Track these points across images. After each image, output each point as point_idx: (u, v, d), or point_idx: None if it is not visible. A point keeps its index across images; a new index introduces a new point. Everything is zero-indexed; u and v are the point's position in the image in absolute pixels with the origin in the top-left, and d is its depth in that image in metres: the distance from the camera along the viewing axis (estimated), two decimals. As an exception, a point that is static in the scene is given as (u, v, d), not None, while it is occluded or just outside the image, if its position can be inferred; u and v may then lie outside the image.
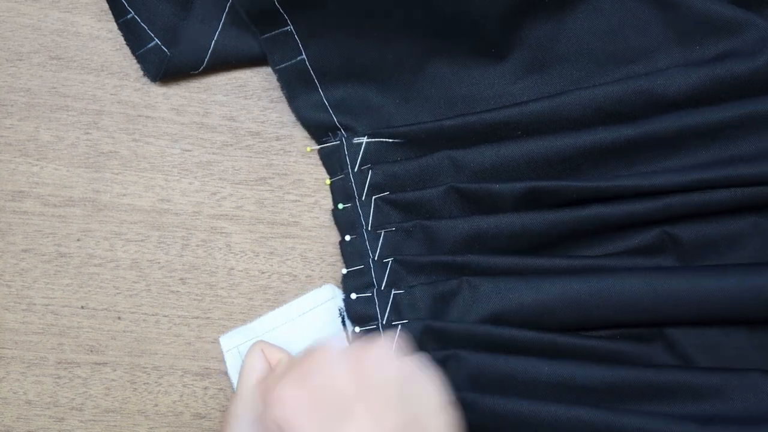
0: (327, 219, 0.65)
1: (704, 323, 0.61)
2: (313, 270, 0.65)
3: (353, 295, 0.62)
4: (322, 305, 0.63)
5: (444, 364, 0.59)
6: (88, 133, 0.66)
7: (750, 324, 0.61)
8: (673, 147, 0.62)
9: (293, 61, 0.65)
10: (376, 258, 0.62)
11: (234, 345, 0.63)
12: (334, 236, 0.65)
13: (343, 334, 0.62)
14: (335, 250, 0.65)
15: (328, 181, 0.65)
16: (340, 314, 0.63)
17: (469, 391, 0.58)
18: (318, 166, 0.66)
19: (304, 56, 0.64)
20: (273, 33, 0.64)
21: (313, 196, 0.66)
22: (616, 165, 0.62)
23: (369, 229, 0.63)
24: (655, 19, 0.63)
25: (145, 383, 0.63)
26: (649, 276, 0.59)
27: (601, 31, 0.64)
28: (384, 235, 0.63)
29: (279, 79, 0.65)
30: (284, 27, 0.64)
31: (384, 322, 0.61)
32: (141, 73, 0.66)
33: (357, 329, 0.61)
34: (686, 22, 0.63)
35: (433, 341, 0.60)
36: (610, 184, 0.60)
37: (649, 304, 0.58)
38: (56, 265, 0.64)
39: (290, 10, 0.63)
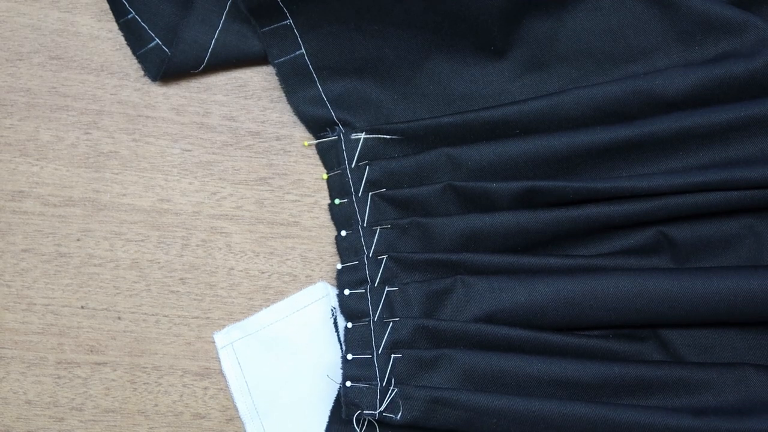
0: (327, 219, 0.65)
1: (697, 325, 0.61)
2: (313, 270, 0.65)
3: (346, 291, 0.62)
4: (316, 302, 0.64)
5: (437, 362, 0.59)
6: (88, 133, 0.66)
7: (742, 324, 0.61)
8: (671, 148, 0.62)
9: (292, 55, 0.65)
10: (371, 254, 0.63)
11: (229, 341, 0.63)
12: (334, 236, 0.65)
13: (334, 335, 0.63)
14: (335, 250, 0.65)
15: (324, 176, 0.65)
16: (332, 314, 0.63)
17: (462, 389, 0.59)
18: (318, 165, 0.66)
19: (303, 50, 0.65)
20: (272, 26, 0.64)
21: (313, 196, 0.66)
22: (614, 165, 0.62)
23: (365, 225, 0.63)
24: (655, 19, 0.63)
25: (145, 383, 0.63)
26: (642, 277, 0.59)
27: (601, 30, 0.64)
28: (379, 231, 0.63)
29: (278, 74, 0.65)
30: (284, 21, 0.64)
31: (376, 319, 0.61)
32: (141, 73, 0.66)
33: (349, 325, 0.61)
34: (686, 23, 0.63)
35: (425, 339, 0.60)
36: (607, 185, 0.60)
37: (641, 305, 0.59)
38: (56, 265, 0.64)
39: (290, 4, 0.63)
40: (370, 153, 0.64)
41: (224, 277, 0.65)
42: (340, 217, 0.64)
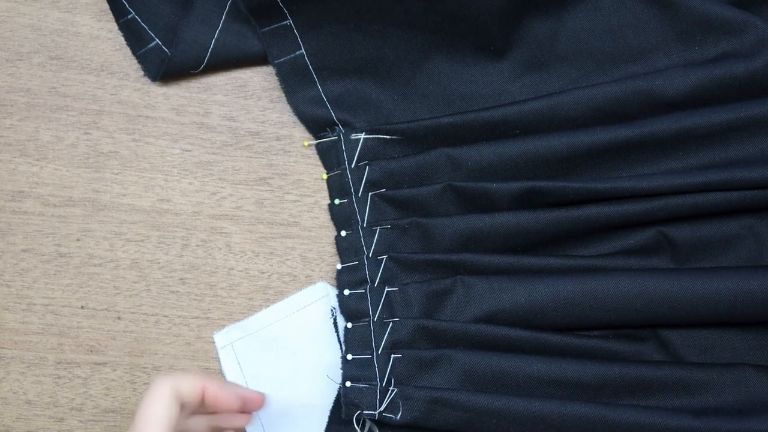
0: (327, 219, 0.65)
1: (697, 325, 0.61)
2: (313, 270, 0.65)
3: (346, 291, 0.62)
4: (316, 302, 0.64)
5: (436, 362, 0.59)
6: (88, 133, 0.66)
7: (742, 324, 0.61)
8: (671, 148, 0.62)
9: (292, 55, 0.65)
10: (370, 254, 0.63)
11: (228, 342, 0.63)
12: (334, 236, 0.65)
13: (334, 335, 0.63)
14: (335, 250, 0.65)
15: (324, 176, 0.65)
16: (332, 314, 0.63)
17: (462, 390, 0.59)
18: (318, 166, 0.66)
19: (302, 51, 0.65)
20: (272, 26, 0.64)
21: (313, 196, 0.66)
22: (614, 165, 0.62)
23: (365, 225, 0.63)
24: (655, 19, 0.63)
25: (145, 383, 0.63)
26: (642, 278, 0.59)
27: (601, 30, 0.64)
28: (379, 231, 0.63)
29: (278, 74, 0.65)
30: (284, 21, 0.64)
31: (376, 319, 0.61)
32: (141, 73, 0.66)
33: (349, 325, 0.61)
34: (686, 23, 0.63)
35: (425, 340, 0.60)
36: (607, 185, 0.60)
37: (641, 305, 0.59)
38: (56, 265, 0.64)
39: (290, 4, 0.63)
40: (370, 153, 0.64)
41: (224, 277, 0.65)
42: (340, 217, 0.64)
